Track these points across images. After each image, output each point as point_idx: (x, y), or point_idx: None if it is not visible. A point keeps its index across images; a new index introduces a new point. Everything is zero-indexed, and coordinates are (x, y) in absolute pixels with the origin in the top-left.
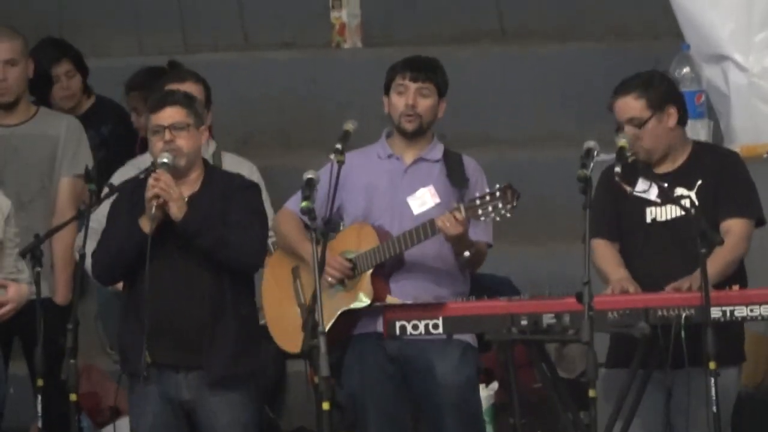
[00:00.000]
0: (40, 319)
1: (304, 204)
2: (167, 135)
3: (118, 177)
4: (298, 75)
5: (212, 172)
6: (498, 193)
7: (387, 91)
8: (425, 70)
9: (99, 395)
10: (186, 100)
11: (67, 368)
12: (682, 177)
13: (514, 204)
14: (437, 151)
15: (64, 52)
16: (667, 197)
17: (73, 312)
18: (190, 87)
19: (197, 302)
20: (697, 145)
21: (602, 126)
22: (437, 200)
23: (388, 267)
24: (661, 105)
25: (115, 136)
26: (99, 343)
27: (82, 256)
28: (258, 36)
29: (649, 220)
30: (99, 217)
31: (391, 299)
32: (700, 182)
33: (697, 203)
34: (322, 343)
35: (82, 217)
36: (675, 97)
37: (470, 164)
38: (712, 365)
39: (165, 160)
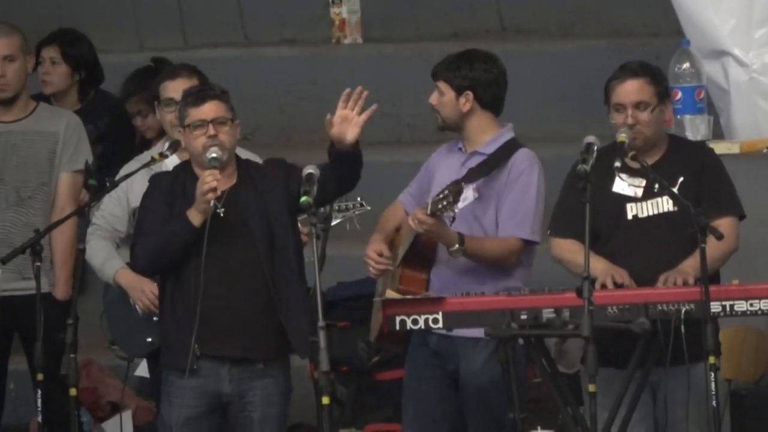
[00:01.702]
0: (40, 314)
1: (303, 199)
2: (211, 129)
3: (123, 173)
4: (298, 71)
5: (245, 165)
6: (446, 191)
7: None
8: (438, 68)
9: (98, 390)
10: (224, 95)
11: (67, 363)
12: (662, 173)
13: (454, 199)
14: (495, 143)
15: (55, 38)
16: (670, 194)
17: (73, 307)
18: (183, 82)
19: (247, 294)
20: (673, 139)
21: (603, 124)
22: (476, 195)
23: (424, 259)
24: (663, 97)
25: (112, 129)
26: (101, 338)
27: (82, 251)
28: (258, 33)
29: (630, 216)
30: (100, 212)
31: (390, 293)
32: (681, 179)
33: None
34: (321, 338)
35: (82, 213)
36: (669, 95)
37: (518, 157)
38: (711, 360)
39: (215, 155)
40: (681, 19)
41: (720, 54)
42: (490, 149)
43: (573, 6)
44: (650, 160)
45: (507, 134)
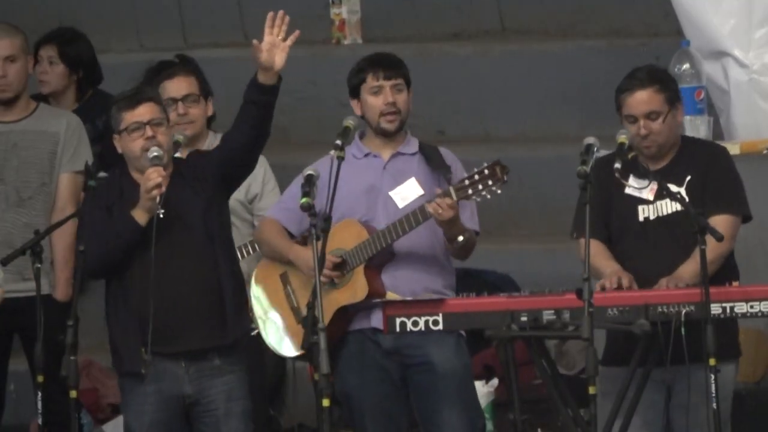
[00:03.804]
0: (40, 315)
1: (303, 200)
2: (149, 131)
3: None
4: (298, 71)
5: (179, 164)
6: (487, 171)
7: (355, 94)
8: (395, 66)
9: (99, 391)
10: (157, 97)
11: (67, 365)
12: (671, 173)
13: (505, 179)
14: (413, 144)
15: (54, 38)
16: (669, 194)
17: (73, 308)
18: (181, 81)
19: (192, 288)
20: (685, 140)
21: (602, 123)
22: (421, 192)
23: (378, 260)
24: (674, 101)
25: (110, 129)
26: (101, 340)
27: (82, 252)
28: (258, 33)
29: (641, 218)
30: None
31: (391, 295)
32: (689, 178)
33: (687, 199)
34: (322, 339)
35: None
36: (679, 94)
37: (447, 154)
38: (712, 362)
39: (156, 154)
40: (681, 19)
41: (720, 54)
42: (412, 149)
43: (573, 6)
44: (662, 162)
45: (410, 135)
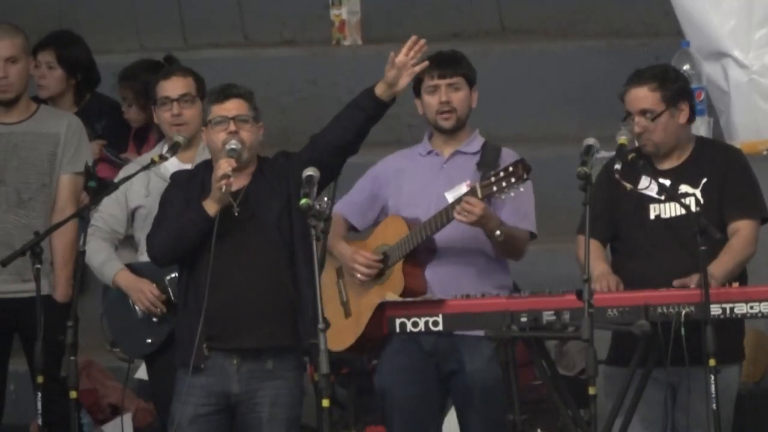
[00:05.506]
0: (40, 315)
1: (303, 201)
2: (232, 126)
3: (123, 174)
4: (298, 72)
5: (262, 163)
6: (511, 168)
7: (417, 93)
8: (451, 65)
9: (99, 392)
10: (248, 94)
11: (67, 365)
12: (686, 174)
13: (525, 177)
14: (476, 143)
15: (51, 42)
16: (668, 194)
17: (73, 309)
18: (177, 81)
19: (261, 288)
20: (700, 141)
21: (603, 123)
22: (467, 189)
23: (421, 257)
24: (674, 100)
25: (109, 131)
26: (101, 340)
27: (82, 253)
28: (258, 34)
29: (652, 217)
30: (99, 213)
31: (390, 296)
32: (705, 180)
33: (702, 201)
34: (321, 340)
35: (82, 215)
36: (687, 94)
37: (508, 155)
38: (712, 362)
39: (234, 146)
40: (681, 19)
41: (720, 55)
42: (473, 148)
43: (573, 6)
44: (674, 163)
45: (478, 134)
